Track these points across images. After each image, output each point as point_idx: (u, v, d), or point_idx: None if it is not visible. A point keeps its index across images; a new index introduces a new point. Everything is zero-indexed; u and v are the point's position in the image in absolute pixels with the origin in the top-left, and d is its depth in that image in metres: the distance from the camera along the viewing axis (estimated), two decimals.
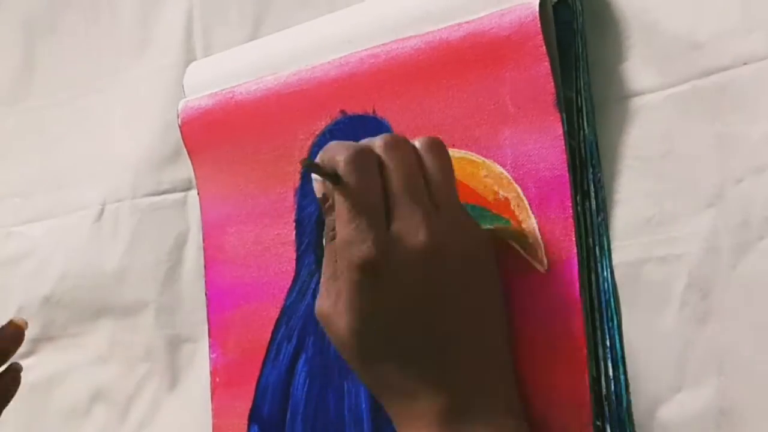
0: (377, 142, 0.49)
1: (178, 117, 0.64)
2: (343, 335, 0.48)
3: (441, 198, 0.48)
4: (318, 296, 0.49)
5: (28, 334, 0.74)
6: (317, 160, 0.49)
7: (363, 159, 0.48)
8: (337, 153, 0.48)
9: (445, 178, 0.49)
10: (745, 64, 0.47)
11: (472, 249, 0.49)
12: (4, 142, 0.73)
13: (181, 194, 0.68)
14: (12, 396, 0.61)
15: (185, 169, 0.66)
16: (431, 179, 0.48)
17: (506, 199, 0.51)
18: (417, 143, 0.49)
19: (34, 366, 0.74)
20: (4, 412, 0.71)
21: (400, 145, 0.49)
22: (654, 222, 0.49)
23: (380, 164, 0.48)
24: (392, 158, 0.48)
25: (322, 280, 0.49)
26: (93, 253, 0.72)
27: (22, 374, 0.73)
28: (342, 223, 0.47)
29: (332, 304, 0.48)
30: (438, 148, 0.49)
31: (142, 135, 0.71)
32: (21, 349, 0.74)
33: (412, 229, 0.47)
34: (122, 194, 0.71)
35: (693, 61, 0.48)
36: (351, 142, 0.49)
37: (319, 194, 0.50)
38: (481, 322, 0.48)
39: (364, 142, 0.49)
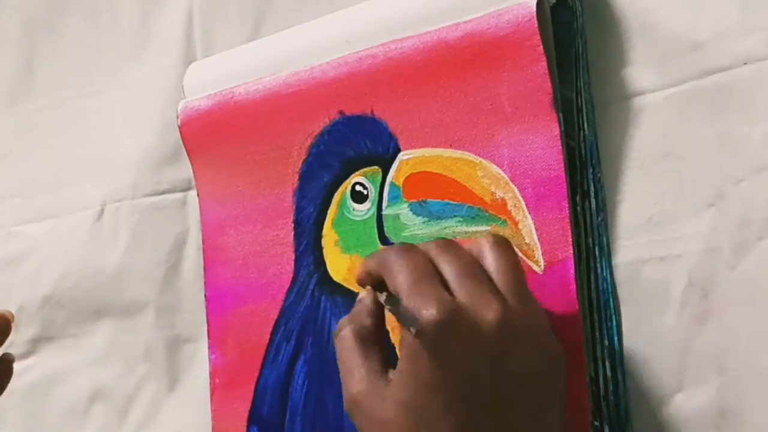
0: (430, 247, 0.47)
1: (177, 118, 0.64)
2: (389, 414, 0.43)
3: (508, 291, 0.45)
4: (350, 379, 0.46)
5: (28, 334, 0.75)
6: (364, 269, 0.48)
7: (413, 256, 0.46)
8: (390, 260, 0.46)
9: (511, 272, 0.45)
10: (745, 64, 0.47)
11: (543, 338, 0.45)
12: (4, 142, 0.73)
13: (181, 194, 0.68)
14: (5, 386, 0.60)
15: (185, 169, 0.66)
16: (494, 276, 0.45)
17: (503, 199, 0.51)
18: (483, 241, 0.46)
19: (33, 366, 0.74)
20: (3, 410, 0.71)
21: (452, 246, 0.47)
22: (654, 222, 0.49)
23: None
24: (444, 259, 0.46)
25: (358, 366, 0.46)
26: (93, 253, 0.72)
27: (23, 374, 0.73)
28: (403, 297, 0.44)
29: (371, 383, 0.45)
30: (502, 245, 0.46)
31: (142, 135, 0.71)
32: (21, 349, 0.75)
33: (482, 303, 0.43)
34: (122, 194, 0.71)
35: (693, 62, 0.48)
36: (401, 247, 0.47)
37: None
38: (540, 414, 0.44)
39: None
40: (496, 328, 0.43)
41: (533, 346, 0.44)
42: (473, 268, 0.45)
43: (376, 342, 0.47)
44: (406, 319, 0.43)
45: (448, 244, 0.47)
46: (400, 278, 0.45)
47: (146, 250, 0.69)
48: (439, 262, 0.46)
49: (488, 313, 0.43)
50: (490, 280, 0.45)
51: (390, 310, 0.44)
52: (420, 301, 0.43)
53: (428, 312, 0.43)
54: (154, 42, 0.71)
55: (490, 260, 0.46)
